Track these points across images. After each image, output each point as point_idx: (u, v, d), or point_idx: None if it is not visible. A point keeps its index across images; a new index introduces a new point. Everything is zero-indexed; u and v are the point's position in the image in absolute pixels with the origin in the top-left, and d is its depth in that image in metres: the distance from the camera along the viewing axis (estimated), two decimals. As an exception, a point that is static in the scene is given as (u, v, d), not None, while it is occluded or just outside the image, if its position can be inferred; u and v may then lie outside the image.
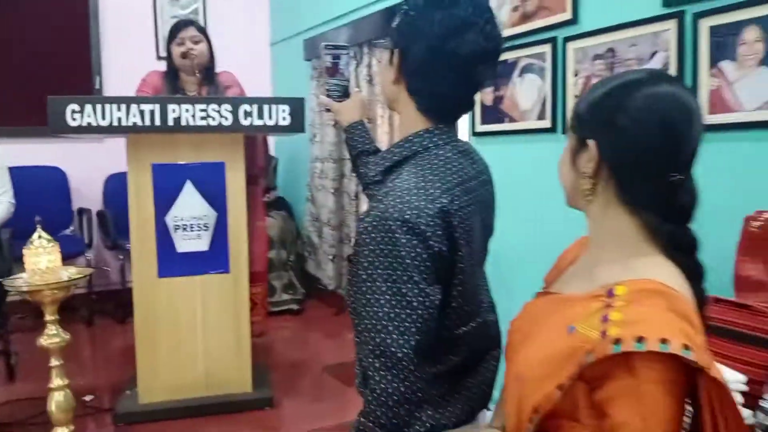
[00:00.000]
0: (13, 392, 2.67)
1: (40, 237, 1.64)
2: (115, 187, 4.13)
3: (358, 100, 1.49)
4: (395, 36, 1.13)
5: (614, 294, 0.86)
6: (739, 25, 1.79)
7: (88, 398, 2.53)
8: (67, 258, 1.99)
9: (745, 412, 1.36)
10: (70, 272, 1.67)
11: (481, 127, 2.74)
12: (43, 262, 1.61)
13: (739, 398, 1.40)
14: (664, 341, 0.78)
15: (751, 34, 1.77)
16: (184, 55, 2.80)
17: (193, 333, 2.42)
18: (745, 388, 1.41)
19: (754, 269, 1.68)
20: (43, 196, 3.75)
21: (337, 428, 2.29)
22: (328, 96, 1.49)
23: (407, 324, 1.00)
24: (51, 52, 4.12)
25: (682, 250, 0.94)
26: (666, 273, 0.89)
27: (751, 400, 1.38)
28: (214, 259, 2.42)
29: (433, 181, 1.05)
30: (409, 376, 1.00)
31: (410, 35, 1.10)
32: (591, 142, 0.92)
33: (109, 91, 4.24)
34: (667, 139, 0.89)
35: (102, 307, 3.83)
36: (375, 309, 1.01)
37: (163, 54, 4.34)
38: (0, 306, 2.79)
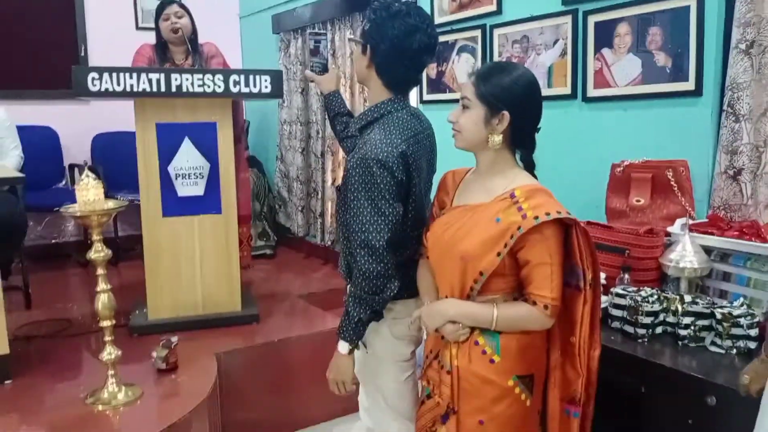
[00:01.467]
0: (31, 316, 3.17)
1: (87, 176, 2.13)
2: (102, 145, 4.58)
3: (334, 74, 2.04)
4: (366, 36, 1.68)
5: (515, 195, 1.44)
6: (615, 22, 2.39)
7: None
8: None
9: (604, 298, 1.98)
10: (110, 204, 2.16)
11: (427, 96, 3.32)
12: (91, 194, 2.10)
13: (602, 289, 2.03)
14: (558, 212, 1.39)
15: (623, 28, 2.38)
16: (175, 30, 3.27)
17: (192, 262, 2.92)
18: (604, 282, 2.02)
19: (618, 202, 2.31)
20: (37, 154, 4.12)
21: (308, 336, 2.89)
22: (312, 71, 2.03)
23: (382, 226, 1.56)
24: (40, 21, 4.47)
25: (531, 168, 1.55)
26: (532, 180, 1.51)
27: (607, 289, 2.00)
28: (209, 202, 2.91)
29: (395, 134, 1.61)
30: (384, 259, 1.57)
31: (377, 36, 1.64)
32: (506, 113, 1.44)
33: (93, 58, 4.62)
34: (538, 108, 1.51)
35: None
36: (360, 218, 1.57)
37: (142, 25, 4.79)
38: (18, 246, 3.26)
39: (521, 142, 1.52)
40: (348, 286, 1.67)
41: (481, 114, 1.47)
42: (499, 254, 1.42)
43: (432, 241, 1.59)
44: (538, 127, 1.52)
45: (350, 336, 1.63)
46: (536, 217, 1.39)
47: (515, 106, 1.45)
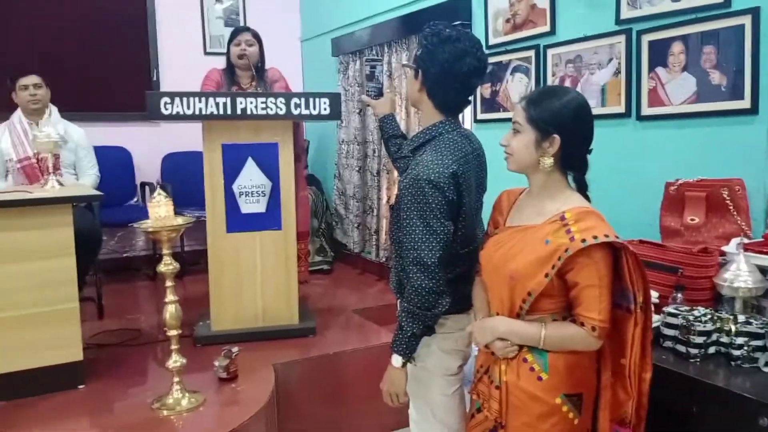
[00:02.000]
0: (103, 326, 3.37)
1: (159, 194, 2.28)
2: (171, 165, 4.82)
3: (389, 98, 2.13)
4: (419, 61, 1.75)
5: (565, 217, 1.47)
6: (669, 41, 2.40)
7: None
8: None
9: (656, 317, 1.98)
10: (179, 220, 2.31)
11: (481, 116, 3.37)
12: (162, 211, 2.25)
13: (653, 310, 2.02)
14: (606, 236, 1.41)
15: (677, 47, 2.38)
16: (240, 56, 3.46)
17: (253, 276, 3.05)
18: (657, 301, 2.02)
19: (672, 221, 2.30)
20: (111, 172, 4.35)
21: (363, 350, 2.96)
22: (368, 95, 2.13)
23: (434, 244, 1.62)
24: (115, 48, 4.79)
25: (585, 189, 1.57)
26: (584, 202, 1.53)
27: (659, 308, 1.99)
28: (270, 219, 3.03)
29: (446, 155, 1.67)
30: (435, 276, 1.63)
31: (429, 61, 1.72)
32: (556, 136, 1.48)
33: (164, 82, 4.89)
34: (589, 131, 1.54)
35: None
36: (412, 236, 1.64)
37: (210, 50, 5.05)
38: (94, 259, 3.47)
39: (573, 164, 1.55)
40: (400, 302, 1.74)
41: (532, 138, 1.51)
42: (546, 275, 1.45)
43: (485, 260, 1.63)
44: (590, 148, 1.55)
45: (403, 350, 1.69)
46: (583, 240, 1.41)
47: (565, 130, 1.49)
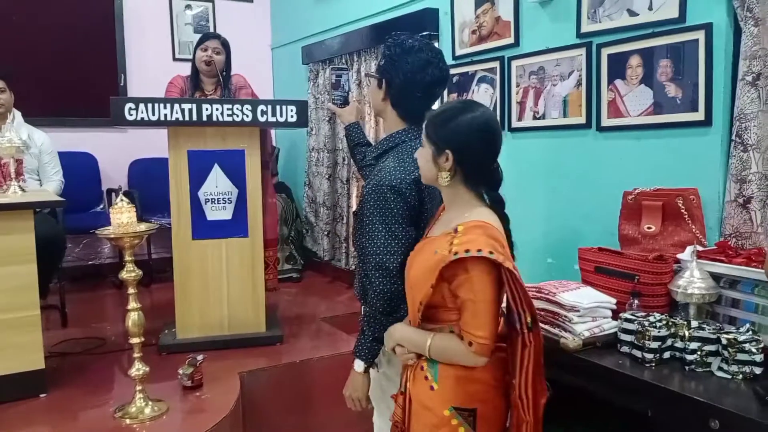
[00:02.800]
0: (67, 334, 3.31)
1: (122, 200, 2.26)
2: (138, 171, 4.78)
3: (354, 107, 2.16)
4: (382, 71, 1.79)
5: (457, 230, 1.47)
6: (627, 54, 2.46)
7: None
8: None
9: (613, 323, 2.03)
10: (141, 227, 2.29)
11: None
12: (124, 217, 2.23)
13: (609, 313, 2.07)
14: (479, 250, 1.39)
15: (635, 60, 2.44)
16: (207, 62, 3.44)
17: (219, 284, 3.03)
18: (614, 307, 2.07)
19: (630, 229, 2.35)
20: (76, 178, 4.27)
21: (330, 358, 2.96)
22: (333, 103, 2.15)
23: (395, 249, 1.65)
24: (82, 53, 4.72)
25: (498, 204, 1.57)
26: (486, 216, 1.50)
27: (616, 314, 2.03)
28: (236, 226, 3.03)
29: (408, 162, 1.70)
30: (396, 281, 1.65)
31: (392, 70, 1.75)
32: (448, 152, 1.47)
33: (132, 87, 4.84)
34: (488, 147, 1.53)
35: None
36: (375, 241, 1.67)
37: (179, 56, 5.02)
38: (57, 266, 3.42)
39: (477, 179, 1.54)
40: (363, 307, 1.76)
41: (429, 153, 1.53)
42: (432, 287, 1.45)
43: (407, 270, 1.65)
44: (497, 163, 1.55)
45: (365, 354, 1.71)
46: (455, 253, 1.41)
47: (459, 146, 1.48)
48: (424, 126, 1.55)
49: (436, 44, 3.37)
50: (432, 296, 1.48)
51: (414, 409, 1.55)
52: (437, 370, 1.51)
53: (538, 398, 1.49)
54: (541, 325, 2.02)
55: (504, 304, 1.52)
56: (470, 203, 1.54)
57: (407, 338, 1.57)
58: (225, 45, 3.49)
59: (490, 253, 1.39)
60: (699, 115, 2.22)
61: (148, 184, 4.45)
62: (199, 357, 2.60)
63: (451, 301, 1.48)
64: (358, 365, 1.74)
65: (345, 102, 2.15)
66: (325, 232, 4.59)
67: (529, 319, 1.44)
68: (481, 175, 1.54)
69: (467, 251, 1.40)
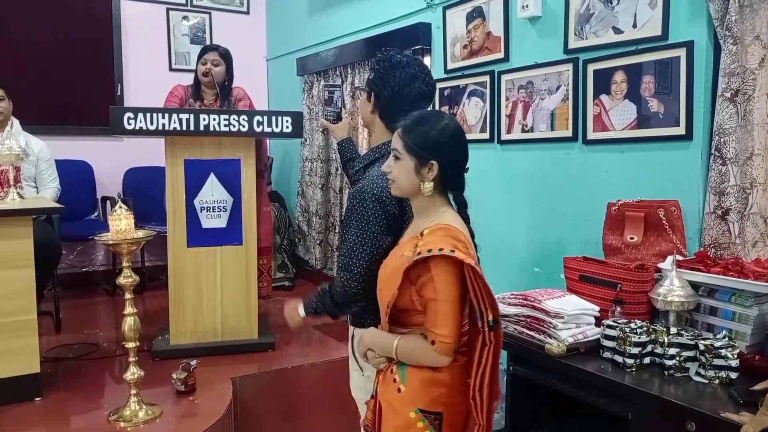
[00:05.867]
0: (61, 340, 3.35)
1: (120, 207, 2.31)
2: (133, 179, 4.82)
3: (347, 122, 2.23)
4: (371, 84, 1.87)
5: (423, 233, 1.53)
6: (612, 70, 2.54)
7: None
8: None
9: (596, 329, 2.10)
10: (139, 233, 2.34)
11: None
12: (123, 224, 2.28)
13: (593, 321, 2.14)
14: (441, 249, 1.44)
15: (619, 76, 2.52)
16: (205, 74, 3.52)
17: (213, 290, 3.08)
18: (597, 314, 2.13)
19: (614, 239, 2.42)
20: (72, 186, 4.29)
21: (321, 364, 3.01)
22: (326, 119, 2.22)
23: (363, 255, 1.73)
24: (79, 62, 4.78)
25: (463, 206, 1.63)
26: (452, 220, 1.56)
27: (599, 321, 2.10)
28: (231, 233, 3.08)
29: None
30: (357, 284, 1.73)
31: (381, 84, 1.84)
32: (433, 162, 1.53)
33: (129, 97, 4.90)
34: (464, 154, 1.61)
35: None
36: (347, 243, 1.76)
37: (176, 66, 5.08)
38: (52, 272, 3.46)
39: (451, 185, 1.61)
40: (326, 285, 1.87)
41: (411, 165, 1.56)
42: (398, 288, 1.50)
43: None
44: (467, 167, 1.63)
45: (310, 309, 1.90)
46: (419, 253, 1.46)
47: (443, 155, 1.55)
48: (400, 139, 1.57)
49: (428, 58, 3.47)
50: (399, 298, 1.52)
51: (384, 411, 1.59)
52: (404, 372, 1.54)
53: (491, 401, 1.50)
54: (527, 331, 2.11)
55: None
56: (438, 208, 1.59)
57: (377, 342, 1.61)
58: (223, 56, 3.56)
59: (451, 251, 1.43)
60: (680, 130, 2.30)
61: (142, 193, 4.49)
62: (193, 362, 2.65)
63: (419, 303, 1.51)
64: (302, 311, 1.92)
65: (338, 118, 2.22)
66: (318, 241, 4.64)
67: (490, 317, 1.46)
68: (456, 180, 1.61)
69: (429, 251, 1.44)
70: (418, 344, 1.51)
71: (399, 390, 1.54)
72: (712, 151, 2.17)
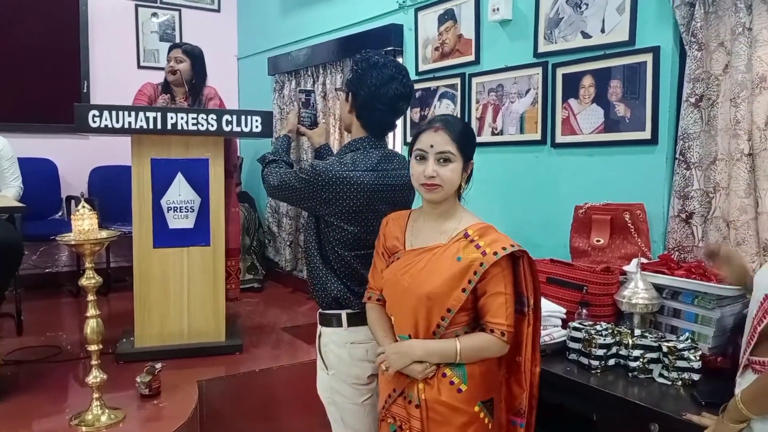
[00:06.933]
0: (22, 342, 3.26)
1: (83, 206, 2.26)
2: (99, 178, 4.72)
3: (323, 128, 2.23)
4: (349, 84, 1.87)
5: (469, 234, 1.57)
6: (580, 74, 2.57)
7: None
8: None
9: (562, 331, 2.11)
10: (103, 234, 2.29)
11: (409, 139, 3.48)
12: (86, 224, 2.23)
13: (559, 322, 2.16)
14: (512, 246, 1.54)
15: (587, 80, 2.55)
16: (173, 72, 3.47)
17: (180, 292, 3.03)
18: (564, 316, 2.15)
19: (580, 242, 2.45)
20: (36, 185, 4.20)
21: (290, 367, 2.98)
22: (301, 124, 2.20)
23: (281, 178, 1.87)
24: (44, 58, 4.66)
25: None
26: (476, 218, 1.64)
27: (566, 323, 2.12)
28: (198, 234, 3.03)
29: (357, 161, 1.81)
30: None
31: (358, 84, 1.84)
32: (472, 161, 1.62)
33: (95, 94, 4.80)
34: None
35: (87, 283, 4.40)
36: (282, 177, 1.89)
37: (144, 64, 5.01)
38: (13, 273, 3.36)
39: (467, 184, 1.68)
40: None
41: (460, 166, 1.60)
42: (464, 290, 1.53)
43: (391, 286, 1.65)
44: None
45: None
46: (495, 253, 1.52)
47: (472, 154, 1.64)
48: (451, 141, 1.58)
49: (400, 59, 3.46)
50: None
51: (437, 416, 1.57)
52: (465, 372, 1.57)
53: (533, 368, 1.64)
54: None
55: None
56: (458, 209, 1.67)
57: (432, 352, 1.57)
58: (188, 53, 3.51)
59: (515, 246, 1.56)
60: (646, 134, 2.33)
61: (108, 192, 4.40)
62: (158, 365, 2.60)
63: (471, 301, 1.57)
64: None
65: (314, 122, 2.22)
66: (288, 243, 4.61)
67: (532, 301, 1.60)
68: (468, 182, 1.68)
69: (504, 249, 1.53)
70: (483, 339, 1.57)
71: (459, 390, 1.56)
72: (677, 156, 2.20)
